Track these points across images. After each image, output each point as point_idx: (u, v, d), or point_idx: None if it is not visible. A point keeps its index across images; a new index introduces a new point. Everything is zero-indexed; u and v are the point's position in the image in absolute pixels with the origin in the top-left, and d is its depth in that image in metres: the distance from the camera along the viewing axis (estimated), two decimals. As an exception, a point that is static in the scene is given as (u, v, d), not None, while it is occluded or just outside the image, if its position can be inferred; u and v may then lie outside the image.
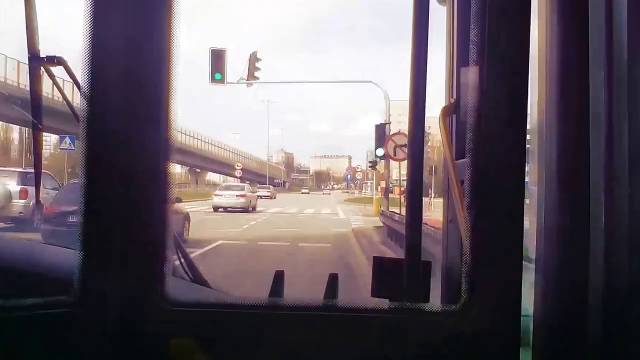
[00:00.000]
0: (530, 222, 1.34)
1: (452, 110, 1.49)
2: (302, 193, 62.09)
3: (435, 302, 1.43)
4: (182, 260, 1.57)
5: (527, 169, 1.27)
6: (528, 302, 1.32)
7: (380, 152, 17.54)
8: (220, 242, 12.60)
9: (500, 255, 1.23)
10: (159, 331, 1.19)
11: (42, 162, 1.49)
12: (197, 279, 1.61)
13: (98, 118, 1.23)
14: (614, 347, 1.19)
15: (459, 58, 1.53)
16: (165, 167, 1.27)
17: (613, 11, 1.21)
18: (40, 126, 1.39)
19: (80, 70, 1.23)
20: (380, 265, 1.45)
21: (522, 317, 1.25)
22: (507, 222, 1.23)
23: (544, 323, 1.29)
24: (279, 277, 1.43)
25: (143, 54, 1.24)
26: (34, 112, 1.39)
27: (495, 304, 1.22)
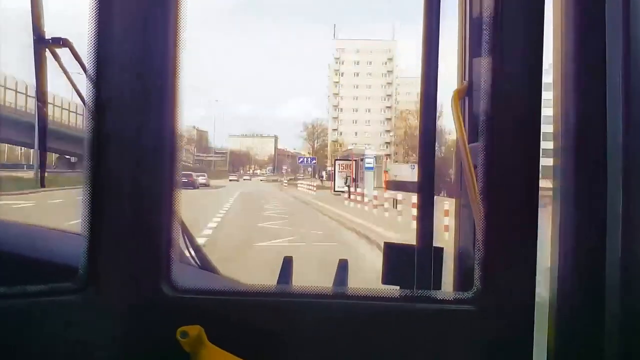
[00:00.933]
0: (545, 208, 1.31)
1: (464, 93, 1.46)
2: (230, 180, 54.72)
3: (447, 288, 1.41)
4: (190, 246, 1.55)
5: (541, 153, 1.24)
6: (543, 288, 1.29)
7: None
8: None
9: (515, 242, 1.20)
10: (166, 318, 1.17)
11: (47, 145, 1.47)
12: (205, 265, 1.59)
13: (104, 101, 1.21)
14: (631, 333, 1.16)
15: (472, 39, 1.50)
16: (172, 152, 1.25)
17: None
18: (46, 110, 1.37)
19: (86, 52, 1.20)
20: (391, 251, 1.43)
21: (536, 304, 1.22)
22: (521, 207, 1.20)
23: (560, 311, 1.26)
24: (287, 263, 1.41)
25: (150, 35, 1.21)
26: (39, 95, 1.37)
27: (509, 291, 1.19)
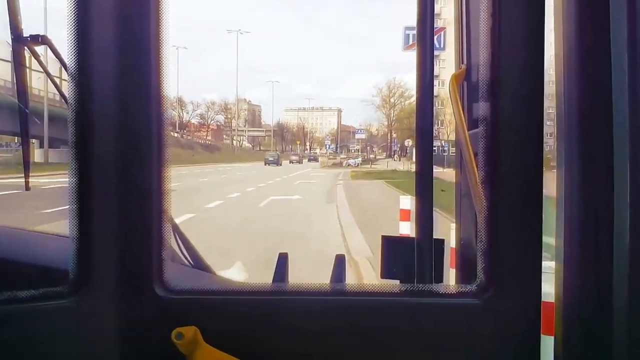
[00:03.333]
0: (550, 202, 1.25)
1: (462, 77, 1.40)
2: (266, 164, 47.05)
3: (449, 281, 1.36)
4: (182, 245, 1.52)
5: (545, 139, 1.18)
6: (550, 286, 1.23)
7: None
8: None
9: (519, 232, 1.14)
10: (160, 320, 1.14)
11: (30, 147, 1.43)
12: (198, 264, 1.56)
13: (87, 99, 1.16)
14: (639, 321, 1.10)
15: (470, 20, 1.43)
16: (159, 150, 1.20)
17: None
18: (27, 110, 1.34)
19: (66, 48, 1.16)
20: (390, 244, 1.38)
21: (543, 302, 1.16)
22: (525, 195, 1.14)
23: (566, 303, 1.21)
24: (282, 260, 1.37)
25: (131, 30, 1.17)
26: (20, 95, 1.33)
27: (514, 283, 1.14)
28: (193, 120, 64.88)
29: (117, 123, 1.16)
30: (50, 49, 1.26)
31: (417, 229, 1.29)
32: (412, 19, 1.26)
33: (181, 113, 62.03)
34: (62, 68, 1.21)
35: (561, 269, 1.20)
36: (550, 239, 1.23)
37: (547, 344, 1.19)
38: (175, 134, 55.96)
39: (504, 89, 1.12)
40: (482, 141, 1.16)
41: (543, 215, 1.17)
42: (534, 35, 1.12)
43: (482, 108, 1.16)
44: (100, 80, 1.15)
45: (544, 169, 1.17)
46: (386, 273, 1.36)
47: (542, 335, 1.17)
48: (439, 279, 1.31)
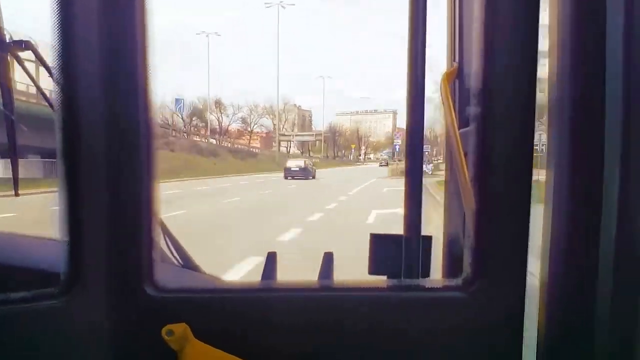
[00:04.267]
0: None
1: (454, 75, 1.38)
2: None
3: (437, 275, 1.39)
4: (171, 245, 1.53)
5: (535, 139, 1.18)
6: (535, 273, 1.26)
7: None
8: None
9: (506, 226, 1.16)
10: (151, 318, 1.17)
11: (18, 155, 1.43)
12: (187, 264, 1.57)
13: (73, 104, 1.16)
14: (623, 318, 1.13)
15: (461, 18, 1.41)
16: (147, 150, 1.20)
17: None
18: (12, 118, 1.33)
19: (50, 53, 1.15)
20: (378, 241, 1.40)
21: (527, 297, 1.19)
22: (514, 193, 1.15)
23: (551, 296, 1.23)
24: (270, 258, 1.39)
25: (118, 33, 1.15)
26: (5, 103, 1.32)
27: (500, 275, 1.16)
28: (235, 125, 58.90)
29: (105, 126, 1.16)
30: (35, 54, 1.24)
31: (405, 226, 1.30)
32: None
33: (220, 117, 56.41)
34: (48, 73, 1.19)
35: (546, 258, 1.22)
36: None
37: (531, 331, 1.22)
38: (213, 141, 50.89)
39: (496, 88, 1.11)
40: (472, 140, 1.16)
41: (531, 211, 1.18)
42: (527, 34, 1.11)
43: (473, 107, 1.16)
44: (86, 83, 1.15)
45: (533, 167, 1.18)
46: (374, 269, 1.38)
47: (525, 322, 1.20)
48: (426, 274, 1.33)
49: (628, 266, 1.11)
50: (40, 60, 1.24)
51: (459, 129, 1.34)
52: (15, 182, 1.36)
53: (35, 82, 1.28)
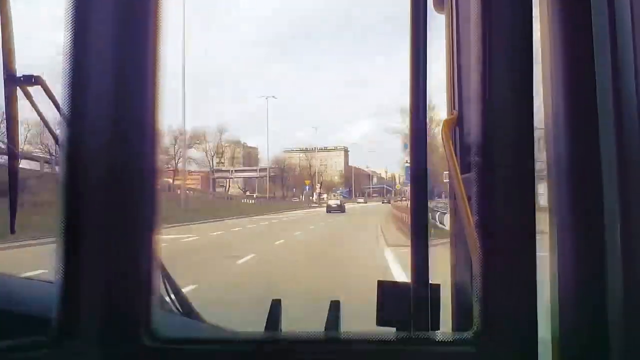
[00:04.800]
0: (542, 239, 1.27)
1: (454, 123, 1.43)
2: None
3: (446, 327, 1.34)
4: (171, 291, 1.47)
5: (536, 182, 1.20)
6: (545, 324, 1.23)
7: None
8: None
9: (514, 276, 1.14)
10: None
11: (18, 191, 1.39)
12: (188, 312, 1.50)
13: (79, 141, 1.14)
14: None
15: (460, 68, 1.47)
16: (150, 193, 1.18)
17: (616, 22, 1.15)
18: (16, 152, 1.31)
19: (60, 90, 1.15)
20: (385, 290, 1.36)
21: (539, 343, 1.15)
22: (519, 239, 1.15)
23: (563, 349, 1.20)
24: (275, 306, 1.33)
25: (126, 73, 1.16)
26: (10, 137, 1.31)
27: (511, 329, 1.13)
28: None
29: (109, 169, 1.14)
30: (44, 90, 1.25)
31: (413, 274, 1.27)
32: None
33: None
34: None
35: (556, 308, 1.20)
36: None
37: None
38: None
39: (495, 135, 1.14)
40: (474, 185, 1.17)
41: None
42: (523, 86, 1.16)
43: (473, 153, 1.18)
44: (92, 124, 1.14)
45: (536, 213, 1.18)
46: (382, 320, 1.34)
47: None
48: (436, 325, 1.29)
49: (638, 314, 1.10)
50: (49, 96, 1.24)
51: (461, 174, 1.36)
52: (12, 218, 1.31)
53: (42, 117, 1.28)
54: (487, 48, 1.15)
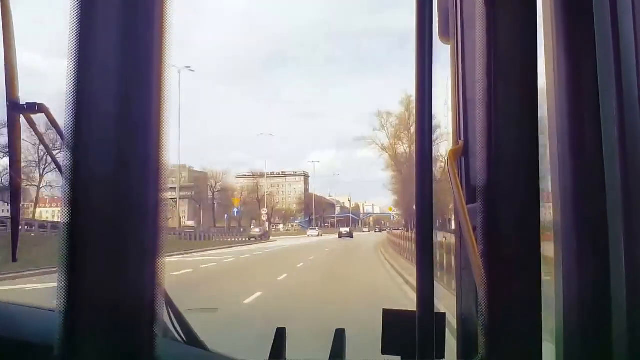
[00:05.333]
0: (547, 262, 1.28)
1: (460, 153, 1.43)
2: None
3: (451, 356, 1.34)
4: (174, 319, 1.45)
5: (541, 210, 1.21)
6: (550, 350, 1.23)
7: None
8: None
9: (518, 305, 1.14)
10: None
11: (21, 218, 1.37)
12: (191, 340, 1.49)
13: (82, 169, 1.13)
14: None
15: (465, 99, 1.48)
16: (154, 221, 1.16)
17: (620, 37, 1.17)
18: (19, 180, 1.29)
19: (63, 118, 1.13)
20: (391, 318, 1.36)
21: None
22: (524, 269, 1.15)
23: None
24: (280, 335, 1.32)
25: (131, 101, 1.15)
26: (12, 165, 1.29)
27: (516, 357, 1.13)
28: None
29: (111, 194, 1.13)
30: (47, 117, 1.24)
31: (419, 303, 1.27)
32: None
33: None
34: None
35: (560, 334, 1.20)
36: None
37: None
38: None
39: (501, 166, 1.15)
40: (480, 215, 1.17)
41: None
42: (529, 114, 1.16)
43: (479, 183, 1.18)
44: (96, 153, 1.13)
45: (541, 242, 1.19)
46: (387, 349, 1.33)
47: None
48: (441, 354, 1.28)
49: None
50: (52, 124, 1.23)
51: (466, 204, 1.36)
52: (14, 245, 1.29)
53: (45, 144, 1.26)
54: (493, 78, 1.15)
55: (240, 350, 1.54)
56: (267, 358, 1.30)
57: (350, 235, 49.88)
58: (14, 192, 1.31)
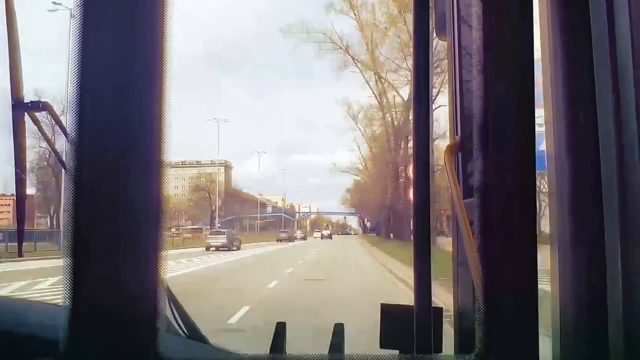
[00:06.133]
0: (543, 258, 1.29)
1: (457, 148, 1.44)
2: None
3: (448, 350, 1.36)
4: (177, 314, 1.48)
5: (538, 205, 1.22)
6: (547, 346, 1.25)
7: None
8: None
9: (515, 300, 1.16)
10: None
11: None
12: (194, 334, 1.51)
13: (86, 167, 1.15)
14: None
15: (462, 94, 1.49)
16: (156, 218, 1.19)
17: (617, 39, 1.18)
18: (23, 177, 1.32)
19: (67, 115, 1.16)
20: (388, 313, 1.38)
21: None
22: (520, 263, 1.17)
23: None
24: (280, 330, 1.34)
25: (133, 99, 1.17)
26: (17, 162, 1.32)
27: (512, 352, 1.14)
28: None
29: (114, 191, 1.15)
30: (51, 115, 1.26)
31: (416, 298, 1.29)
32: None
33: None
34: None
35: (557, 329, 1.22)
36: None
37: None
38: None
39: (497, 160, 1.16)
40: (476, 210, 1.19)
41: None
42: (524, 111, 1.18)
43: (476, 178, 1.20)
44: (99, 150, 1.15)
45: (537, 238, 1.21)
46: (385, 343, 1.35)
47: None
48: (438, 348, 1.30)
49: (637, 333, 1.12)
50: (56, 122, 1.25)
51: (463, 199, 1.37)
52: (20, 243, 1.32)
53: (50, 142, 1.29)
54: (489, 74, 1.17)
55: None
56: (267, 352, 1.32)
57: (330, 235, 42.61)
58: (19, 190, 1.34)
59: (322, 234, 59.48)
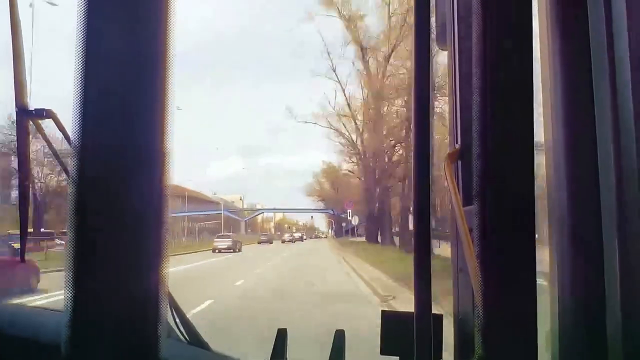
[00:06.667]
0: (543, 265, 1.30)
1: (457, 156, 1.45)
2: None
3: (449, 357, 1.36)
4: (178, 320, 1.48)
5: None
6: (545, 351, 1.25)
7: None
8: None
9: (514, 307, 1.16)
10: None
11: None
12: (194, 340, 1.51)
13: (88, 174, 1.16)
14: None
15: (462, 103, 1.50)
16: (158, 224, 1.19)
17: (615, 44, 1.19)
18: (28, 184, 1.33)
19: (70, 123, 1.16)
20: (389, 319, 1.38)
21: None
22: (519, 270, 1.17)
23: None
24: (281, 335, 1.35)
25: (137, 108, 1.18)
26: (21, 169, 1.32)
27: (512, 358, 1.15)
28: None
29: (117, 198, 1.15)
30: (55, 123, 1.27)
31: (416, 304, 1.29)
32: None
33: None
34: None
35: (556, 336, 1.22)
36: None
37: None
38: None
39: (496, 168, 1.17)
40: (476, 218, 1.19)
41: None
42: (523, 119, 1.18)
43: (475, 186, 1.21)
44: (102, 158, 1.16)
45: (536, 244, 1.21)
46: (386, 349, 1.36)
47: None
48: (438, 355, 1.31)
49: (635, 334, 1.13)
50: (60, 129, 1.26)
51: (463, 206, 1.38)
52: (22, 248, 1.32)
53: (53, 150, 1.30)
54: (489, 83, 1.18)
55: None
56: (269, 358, 1.32)
57: (298, 240, 37.78)
58: (23, 196, 1.35)
59: (293, 237, 60.70)
